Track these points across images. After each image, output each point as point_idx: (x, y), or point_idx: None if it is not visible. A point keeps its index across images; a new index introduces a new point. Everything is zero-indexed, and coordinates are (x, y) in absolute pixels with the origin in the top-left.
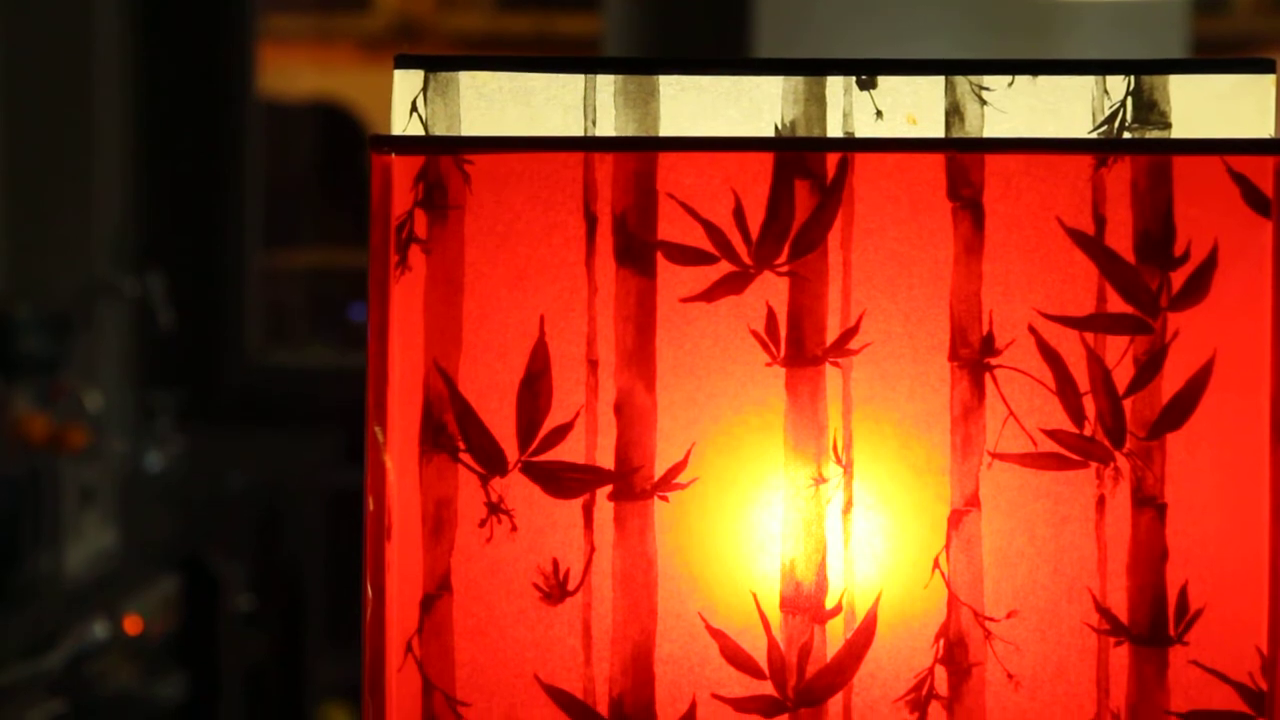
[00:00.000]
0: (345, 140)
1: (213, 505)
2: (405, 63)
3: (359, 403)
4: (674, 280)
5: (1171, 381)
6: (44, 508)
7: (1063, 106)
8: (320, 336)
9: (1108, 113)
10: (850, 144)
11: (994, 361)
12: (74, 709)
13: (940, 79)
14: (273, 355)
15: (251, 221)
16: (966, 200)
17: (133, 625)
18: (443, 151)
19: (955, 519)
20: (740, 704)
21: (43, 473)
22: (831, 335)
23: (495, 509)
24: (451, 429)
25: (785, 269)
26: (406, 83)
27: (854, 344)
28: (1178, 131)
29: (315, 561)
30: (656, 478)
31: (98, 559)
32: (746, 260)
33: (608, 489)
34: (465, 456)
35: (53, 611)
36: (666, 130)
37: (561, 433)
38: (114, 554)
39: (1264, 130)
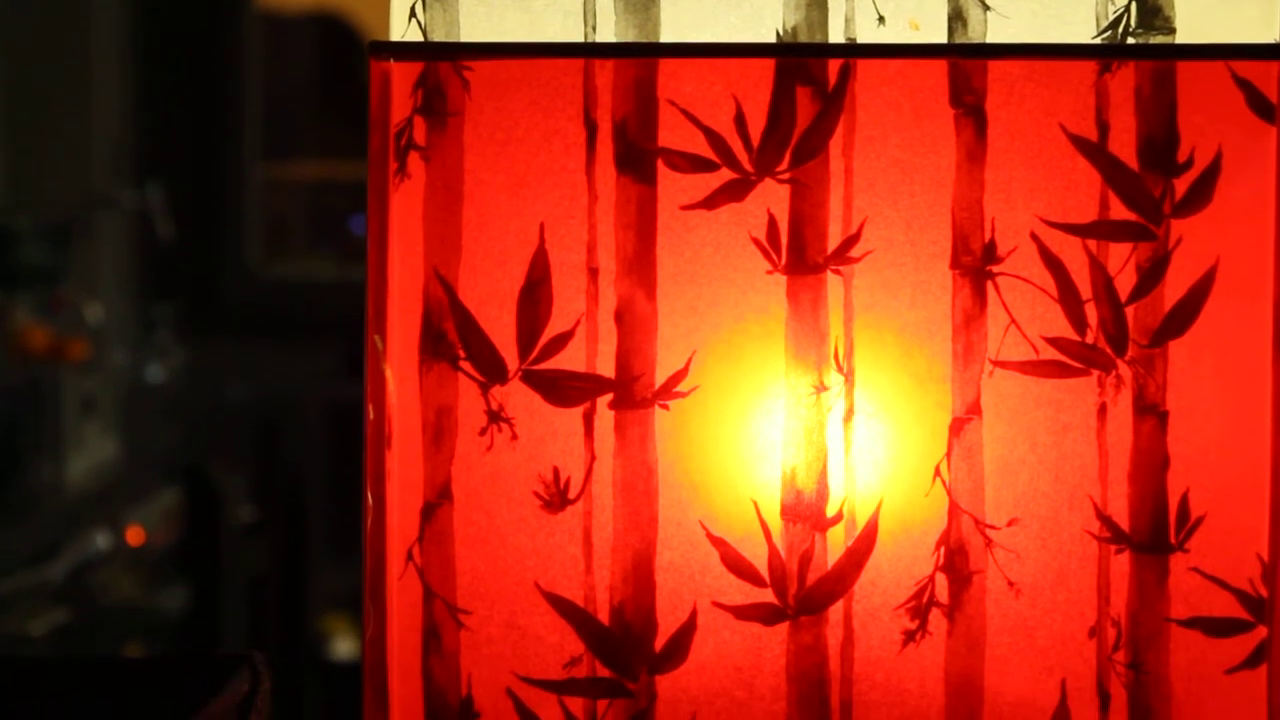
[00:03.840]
0: (344, 52)
1: (213, 417)
2: None
3: (359, 315)
4: (675, 187)
5: (1174, 289)
6: (45, 418)
7: (1066, 11)
8: (320, 249)
9: (1111, 18)
10: (852, 50)
11: (996, 269)
12: (76, 619)
13: None
14: (273, 267)
15: (251, 133)
16: (969, 107)
17: (134, 536)
18: (442, 58)
19: (956, 427)
20: (741, 611)
21: (43, 383)
22: (833, 243)
23: (495, 417)
24: (451, 337)
25: (786, 176)
26: None
27: (855, 251)
28: (1182, 37)
29: (316, 473)
30: (657, 386)
31: (99, 470)
32: (747, 167)
33: (608, 397)
34: (465, 365)
35: (54, 522)
36: (667, 36)
37: (562, 341)
38: (115, 465)
39: (1269, 35)
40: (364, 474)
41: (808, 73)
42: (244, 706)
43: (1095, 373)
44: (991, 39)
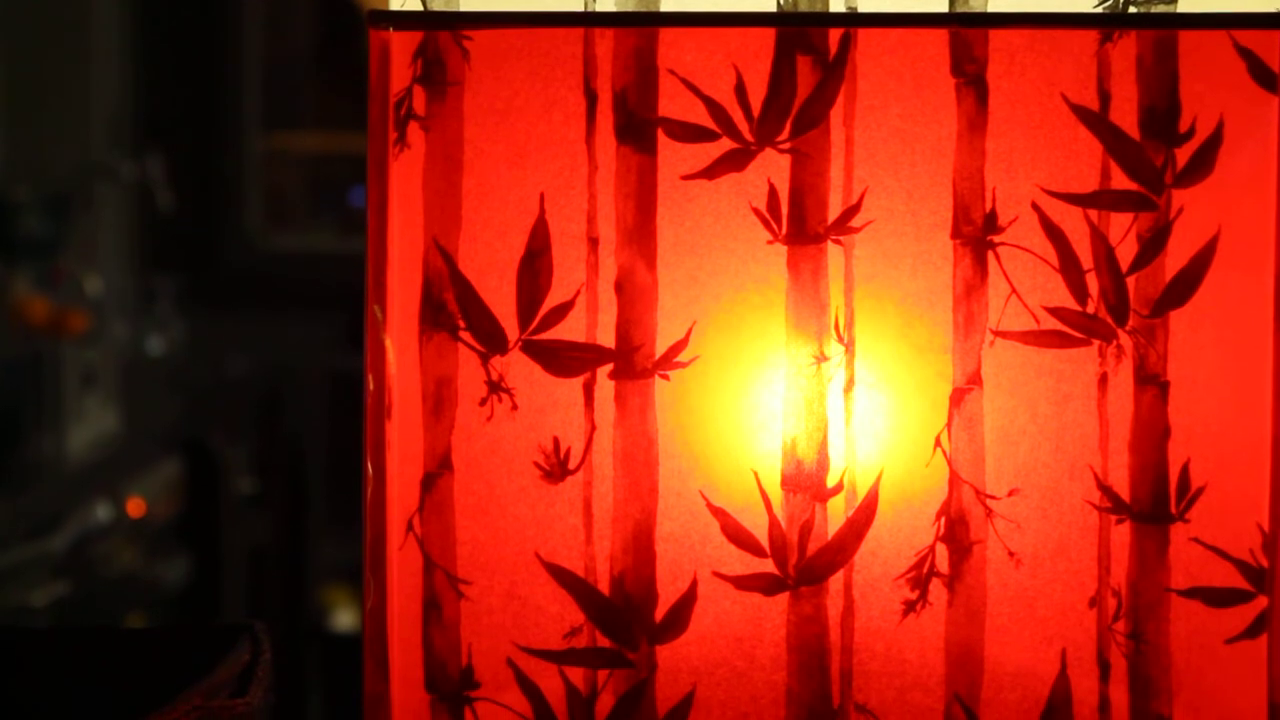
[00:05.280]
0: (344, 21)
1: (214, 388)
2: None
3: (359, 286)
4: (675, 157)
5: (1175, 259)
6: (45, 391)
7: None
8: (321, 220)
9: None
10: (853, 19)
11: (997, 239)
12: (77, 590)
13: None
14: (273, 239)
15: (251, 104)
16: (970, 76)
17: (135, 508)
18: (441, 27)
19: (957, 397)
20: (741, 582)
21: (44, 356)
22: (833, 213)
23: (496, 387)
24: (451, 307)
25: (787, 146)
26: None
27: (856, 221)
28: (1184, 6)
29: (317, 444)
30: (657, 356)
31: (100, 442)
32: (748, 137)
33: (608, 367)
34: (465, 335)
35: (55, 494)
36: (667, 5)
37: (562, 311)
38: (116, 437)
39: (1271, 4)
40: (364, 445)
41: (808, 42)
42: (244, 677)
43: (1096, 343)
44: (993, 8)
